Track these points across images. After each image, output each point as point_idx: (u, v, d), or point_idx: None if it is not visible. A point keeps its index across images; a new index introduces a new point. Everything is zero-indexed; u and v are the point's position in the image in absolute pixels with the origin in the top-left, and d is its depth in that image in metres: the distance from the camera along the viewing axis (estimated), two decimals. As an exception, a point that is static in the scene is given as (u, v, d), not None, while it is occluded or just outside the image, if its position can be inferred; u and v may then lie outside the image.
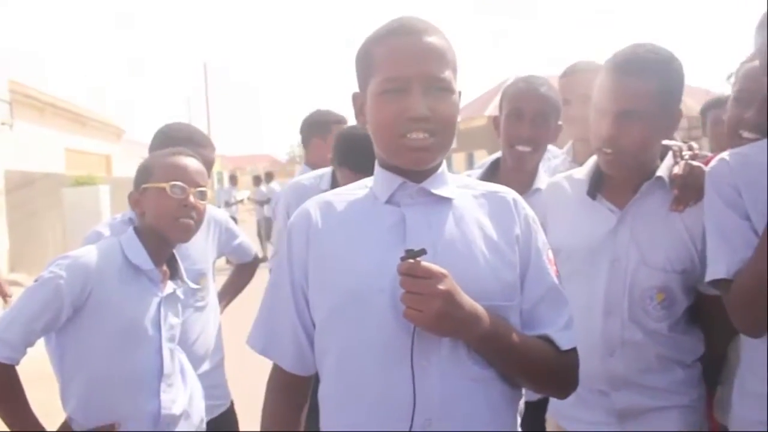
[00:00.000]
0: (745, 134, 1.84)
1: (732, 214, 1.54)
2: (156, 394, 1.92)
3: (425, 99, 1.25)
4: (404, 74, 1.25)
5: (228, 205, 15.49)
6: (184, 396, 2.03)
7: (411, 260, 1.18)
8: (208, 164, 2.42)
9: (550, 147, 3.01)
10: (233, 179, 18.59)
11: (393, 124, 1.26)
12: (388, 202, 1.33)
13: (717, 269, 1.54)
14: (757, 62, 1.85)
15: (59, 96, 16.97)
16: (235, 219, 13.70)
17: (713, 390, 1.88)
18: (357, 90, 1.38)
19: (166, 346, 1.96)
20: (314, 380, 1.41)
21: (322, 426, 1.35)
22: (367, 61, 1.33)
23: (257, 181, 15.73)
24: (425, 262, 1.18)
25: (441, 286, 1.18)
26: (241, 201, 17.70)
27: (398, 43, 1.28)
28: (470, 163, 20.18)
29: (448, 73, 1.28)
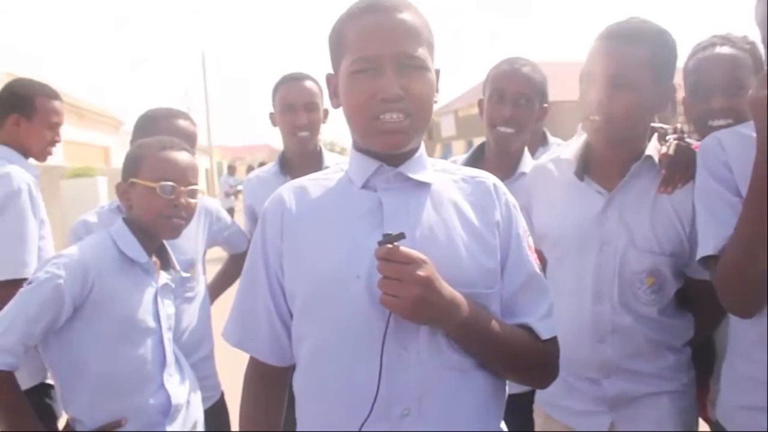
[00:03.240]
0: (716, 122, 1.81)
1: (722, 190, 1.51)
2: (161, 385, 1.90)
3: (399, 78, 1.20)
4: (376, 53, 1.20)
5: (228, 195, 15.49)
6: (184, 385, 2.01)
7: (389, 245, 1.14)
8: (190, 137, 2.40)
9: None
10: (231, 169, 18.64)
11: (365, 106, 1.22)
12: (364, 186, 1.29)
13: (707, 246, 1.51)
14: (704, 53, 1.86)
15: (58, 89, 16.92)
16: (233, 208, 13.65)
17: (703, 374, 1.85)
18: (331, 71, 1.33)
19: (166, 336, 1.95)
20: (293, 369, 1.38)
21: (299, 415, 1.32)
22: (338, 41, 1.28)
23: (250, 170, 15.88)
24: (404, 247, 1.15)
25: (420, 272, 1.14)
26: (240, 190, 17.76)
27: (369, 21, 1.23)
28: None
29: (422, 51, 1.23)
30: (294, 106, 2.69)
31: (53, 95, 2.68)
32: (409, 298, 1.13)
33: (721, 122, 1.81)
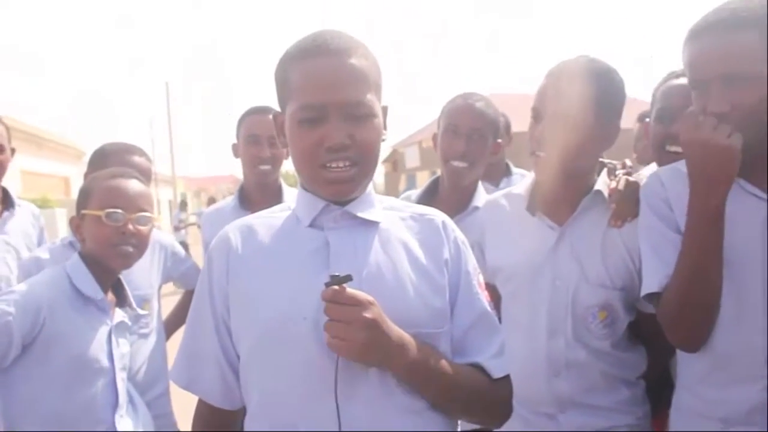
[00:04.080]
0: (672, 148, 1.86)
1: (664, 227, 1.55)
2: (111, 427, 1.85)
3: (345, 126, 1.19)
4: (320, 101, 1.19)
5: (177, 229, 15.36)
6: (136, 426, 1.96)
7: (336, 286, 1.13)
8: (144, 173, 2.38)
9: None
10: (183, 204, 18.63)
11: (312, 154, 1.21)
12: (311, 225, 1.28)
13: (650, 283, 1.53)
14: (676, 81, 1.90)
15: (16, 118, 16.70)
16: (185, 243, 13.56)
17: (657, 407, 1.87)
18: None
19: (119, 377, 1.90)
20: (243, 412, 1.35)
21: None
22: (284, 83, 1.26)
23: (211, 202, 15.83)
24: (351, 289, 1.14)
25: (367, 315, 1.12)
26: (193, 224, 17.67)
27: (315, 66, 1.20)
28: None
29: (369, 97, 1.22)
30: (259, 138, 2.68)
31: None
32: (357, 341, 1.12)
33: (678, 149, 1.85)
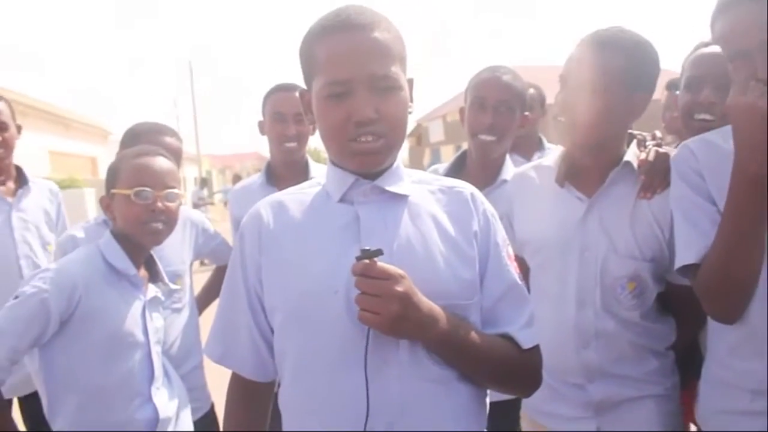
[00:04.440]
0: (700, 116, 1.84)
1: (698, 198, 1.53)
2: (148, 399, 1.90)
3: (371, 100, 1.19)
4: (346, 77, 1.19)
5: (196, 206, 15.50)
6: (172, 397, 2.01)
7: (366, 260, 1.14)
8: (175, 153, 2.41)
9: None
10: (204, 182, 18.81)
11: (340, 130, 1.22)
12: (341, 200, 1.29)
13: (686, 255, 1.51)
14: (706, 50, 1.88)
15: (43, 99, 16.92)
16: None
17: (686, 378, 1.87)
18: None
19: (154, 350, 1.94)
20: (277, 384, 1.38)
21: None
22: (309, 59, 1.27)
23: (236, 179, 15.92)
24: (381, 263, 1.15)
25: (398, 288, 1.14)
26: (212, 203, 17.82)
27: (339, 41, 1.21)
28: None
29: (394, 69, 1.22)
30: (284, 116, 2.69)
31: None
32: (388, 314, 1.13)
33: (706, 116, 1.83)
